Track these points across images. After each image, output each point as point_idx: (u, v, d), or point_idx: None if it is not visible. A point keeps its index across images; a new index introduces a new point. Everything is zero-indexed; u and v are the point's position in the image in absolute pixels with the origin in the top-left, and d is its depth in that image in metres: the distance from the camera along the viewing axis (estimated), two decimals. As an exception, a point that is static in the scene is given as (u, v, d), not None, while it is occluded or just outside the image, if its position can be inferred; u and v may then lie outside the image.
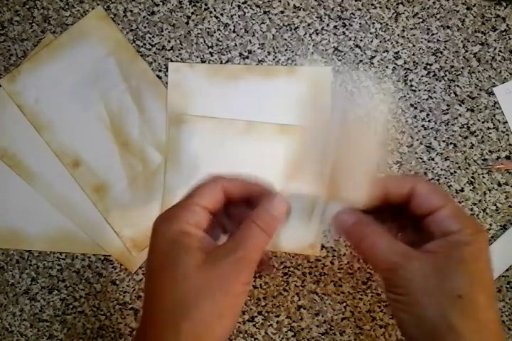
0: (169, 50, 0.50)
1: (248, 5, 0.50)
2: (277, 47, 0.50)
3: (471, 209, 0.48)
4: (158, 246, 0.27)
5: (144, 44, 0.50)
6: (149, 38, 0.50)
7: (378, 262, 0.25)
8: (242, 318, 0.49)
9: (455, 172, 0.48)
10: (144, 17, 0.50)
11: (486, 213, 0.48)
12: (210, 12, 0.50)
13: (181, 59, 0.50)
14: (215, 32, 0.50)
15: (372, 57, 0.49)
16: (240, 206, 0.30)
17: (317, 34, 0.49)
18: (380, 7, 0.49)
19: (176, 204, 0.29)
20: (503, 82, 0.48)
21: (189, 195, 0.29)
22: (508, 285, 0.47)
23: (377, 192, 0.27)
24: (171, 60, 0.50)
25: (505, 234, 0.47)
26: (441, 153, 0.48)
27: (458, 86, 0.49)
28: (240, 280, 0.25)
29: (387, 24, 0.49)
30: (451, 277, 0.23)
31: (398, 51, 0.49)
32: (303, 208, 0.29)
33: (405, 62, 0.49)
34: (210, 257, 0.26)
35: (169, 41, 0.50)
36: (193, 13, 0.50)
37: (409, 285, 0.23)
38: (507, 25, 0.49)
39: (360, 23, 0.49)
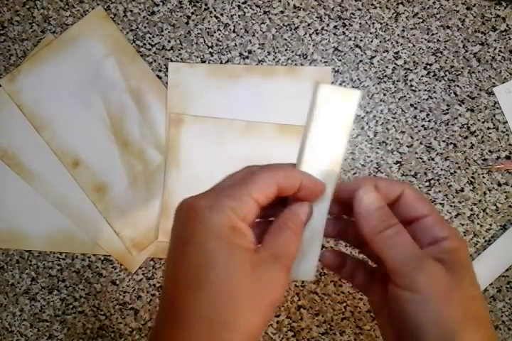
0: (169, 50, 0.50)
1: (248, 5, 0.50)
2: (277, 47, 0.50)
3: (471, 209, 0.48)
4: (199, 238, 0.23)
5: (144, 44, 0.51)
6: (149, 38, 0.50)
7: (395, 256, 0.24)
8: (242, 318, 0.49)
9: (455, 172, 0.48)
10: (144, 17, 0.50)
11: (486, 213, 0.48)
12: (210, 12, 0.50)
13: (181, 59, 0.50)
14: (215, 32, 0.50)
15: (372, 57, 0.49)
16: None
17: (317, 34, 0.49)
18: (380, 7, 0.49)
19: (218, 188, 0.25)
20: (503, 82, 0.48)
21: (240, 182, 0.24)
22: (508, 285, 0.47)
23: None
24: (171, 60, 0.50)
25: (505, 234, 0.47)
26: (441, 153, 0.48)
27: (458, 86, 0.49)
28: (282, 291, 0.23)
29: (387, 24, 0.49)
30: (461, 281, 0.24)
31: (398, 51, 0.49)
32: None
33: (405, 62, 0.49)
34: (257, 263, 0.23)
35: (169, 41, 0.50)
36: (193, 13, 0.50)
37: (425, 284, 0.24)
38: (507, 25, 0.49)
39: (360, 23, 0.49)
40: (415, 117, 0.49)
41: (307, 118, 0.27)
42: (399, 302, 0.24)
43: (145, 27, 0.50)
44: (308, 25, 0.50)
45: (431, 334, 0.23)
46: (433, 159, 0.48)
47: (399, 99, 0.49)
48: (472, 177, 0.48)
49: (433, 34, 0.49)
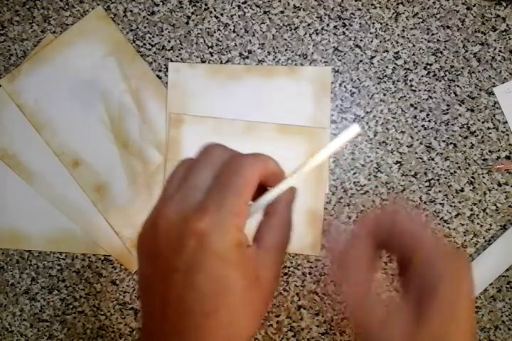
0: (169, 50, 0.50)
1: (248, 5, 0.50)
2: (277, 47, 0.50)
3: (471, 209, 0.48)
4: (208, 265, 0.22)
5: (144, 44, 0.51)
6: (149, 38, 0.50)
7: (358, 318, 0.25)
8: (242, 318, 0.49)
9: (455, 172, 0.48)
10: (144, 17, 0.50)
11: (486, 213, 0.48)
12: (210, 12, 0.50)
13: (181, 59, 0.50)
14: (215, 32, 0.50)
15: (372, 57, 0.49)
16: None
17: (317, 34, 0.50)
18: (380, 7, 0.49)
19: (211, 197, 0.23)
20: (503, 82, 0.48)
21: (233, 190, 0.23)
22: (508, 285, 0.47)
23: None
24: (171, 60, 0.50)
25: (505, 234, 0.47)
26: (441, 153, 0.48)
27: (458, 86, 0.49)
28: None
29: (387, 24, 0.49)
30: (429, 322, 0.23)
31: (398, 51, 0.49)
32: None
33: (405, 62, 0.49)
34: (252, 273, 0.23)
35: (169, 41, 0.50)
36: (193, 13, 0.50)
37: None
38: (507, 25, 0.49)
39: (360, 23, 0.49)
40: (415, 117, 0.49)
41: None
42: None
43: (145, 27, 0.50)
44: (308, 25, 0.50)
45: None
46: (433, 159, 0.48)
47: (399, 99, 0.49)
48: (472, 177, 0.48)
49: (433, 34, 0.49)
